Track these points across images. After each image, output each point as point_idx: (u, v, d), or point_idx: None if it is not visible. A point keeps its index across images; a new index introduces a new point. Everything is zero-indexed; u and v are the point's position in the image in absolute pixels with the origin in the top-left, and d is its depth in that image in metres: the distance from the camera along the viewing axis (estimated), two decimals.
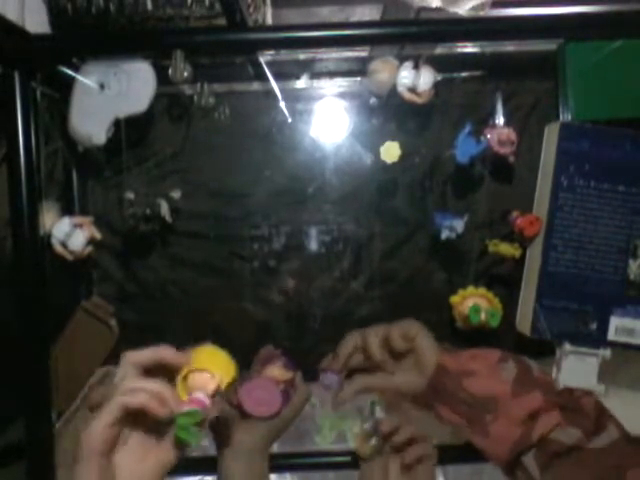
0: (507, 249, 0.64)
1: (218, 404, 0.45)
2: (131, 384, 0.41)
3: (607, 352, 0.62)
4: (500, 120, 0.67)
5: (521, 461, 0.47)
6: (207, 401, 0.44)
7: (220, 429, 0.56)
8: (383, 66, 0.63)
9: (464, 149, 0.62)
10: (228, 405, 0.57)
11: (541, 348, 0.65)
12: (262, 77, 0.69)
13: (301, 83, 0.71)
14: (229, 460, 0.55)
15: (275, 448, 0.79)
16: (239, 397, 0.55)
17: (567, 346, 0.62)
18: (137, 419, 0.41)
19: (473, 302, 0.65)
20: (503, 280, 0.69)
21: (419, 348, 0.53)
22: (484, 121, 0.67)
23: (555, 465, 0.46)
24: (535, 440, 0.46)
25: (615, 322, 0.61)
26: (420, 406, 0.54)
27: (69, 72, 0.63)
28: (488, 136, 0.63)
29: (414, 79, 0.62)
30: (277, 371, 0.58)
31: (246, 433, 0.55)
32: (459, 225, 0.64)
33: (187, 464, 0.72)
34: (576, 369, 0.62)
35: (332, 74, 0.71)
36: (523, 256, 0.66)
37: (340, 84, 0.71)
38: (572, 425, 0.47)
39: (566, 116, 0.62)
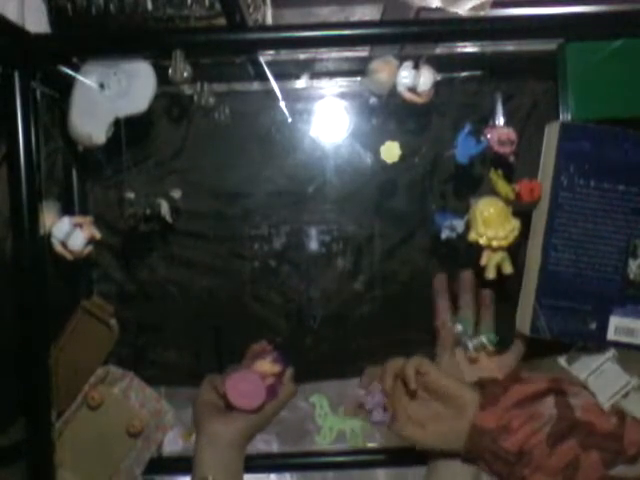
0: (504, 187, 0.62)
1: None
2: None
3: (613, 351, 0.61)
4: (500, 120, 0.67)
5: None
6: None
7: (201, 417, 0.56)
8: (383, 66, 0.63)
9: (464, 149, 0.62)
10: (214, 394, 0.57)
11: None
12: (262, 77, 0.69)
13: (301, 83, 0.71)
14: (204, 451, 0.54)
15: (275, 448, 0.80)
16: (225, 387, 0.55)
17: (583, 374, 0.60)
18: None
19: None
20: (503, 280, 0.69)
21: (458, 397, 0.52)
22: (484, 121, 0.67)
23: None
24: None
25: (615, 322, 0.61)
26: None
27: (69, 72, 0.63)
28: (488, 136, 0.63)
29: (414, 79, 0.62)
30: (266, 365, 0.58)
31: (224, 425, 0.55)
32: (459, 225, 0.64)
33: (186, 464, 0.72)
34: (604, 384, 0.60)
35: (332, 74, 0.71)
36: (523, 256, 0.66)
37: (340, 84, 0.71)
38: (612, 465, 0.46)
39: (566, 116, 0.62)
